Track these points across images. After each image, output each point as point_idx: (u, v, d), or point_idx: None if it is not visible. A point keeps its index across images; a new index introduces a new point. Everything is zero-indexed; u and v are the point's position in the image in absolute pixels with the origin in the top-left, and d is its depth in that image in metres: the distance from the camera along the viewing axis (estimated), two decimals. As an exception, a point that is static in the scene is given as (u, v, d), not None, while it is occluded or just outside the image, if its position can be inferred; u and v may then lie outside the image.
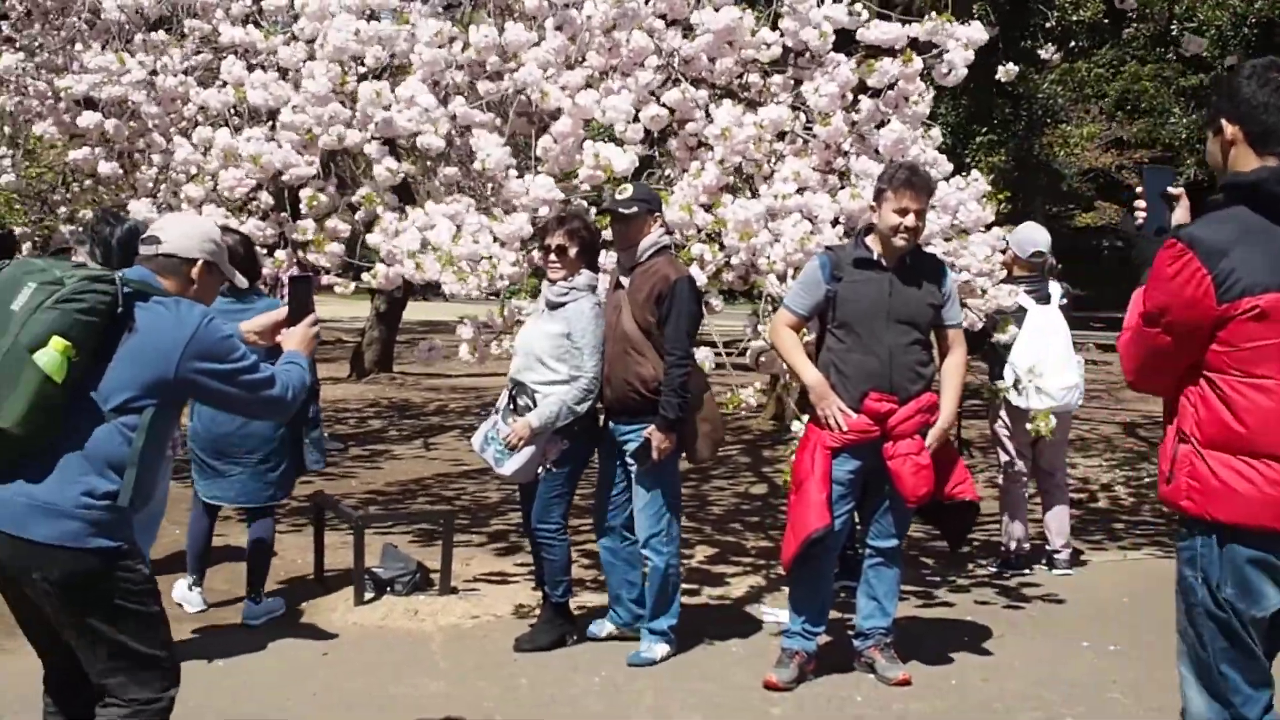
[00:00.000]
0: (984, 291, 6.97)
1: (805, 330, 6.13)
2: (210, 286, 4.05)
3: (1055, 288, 8.03)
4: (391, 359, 21.36)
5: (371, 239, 6.60)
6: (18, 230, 10.86)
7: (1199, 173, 26.38)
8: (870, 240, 5.89)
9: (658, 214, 6.30)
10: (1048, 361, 7.74)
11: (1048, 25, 16.35)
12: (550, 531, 6.40)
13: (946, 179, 6.76)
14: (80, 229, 7.89)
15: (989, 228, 6.83)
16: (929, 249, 6.41)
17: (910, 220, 5.75)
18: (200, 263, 3.99)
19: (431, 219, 6.46)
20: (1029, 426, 7.70)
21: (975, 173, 7.00)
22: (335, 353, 23.44)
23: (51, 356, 3.54)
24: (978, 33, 6.64)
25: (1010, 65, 7.73)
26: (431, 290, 8.72)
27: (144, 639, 3.77)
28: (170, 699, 3.83)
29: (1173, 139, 25.86)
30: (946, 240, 6.71)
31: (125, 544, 3.71)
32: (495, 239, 6.42)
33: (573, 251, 6.23)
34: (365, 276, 6.64)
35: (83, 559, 3.61)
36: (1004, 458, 8.24)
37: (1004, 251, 7.22)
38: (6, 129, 8.46)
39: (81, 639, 3.74)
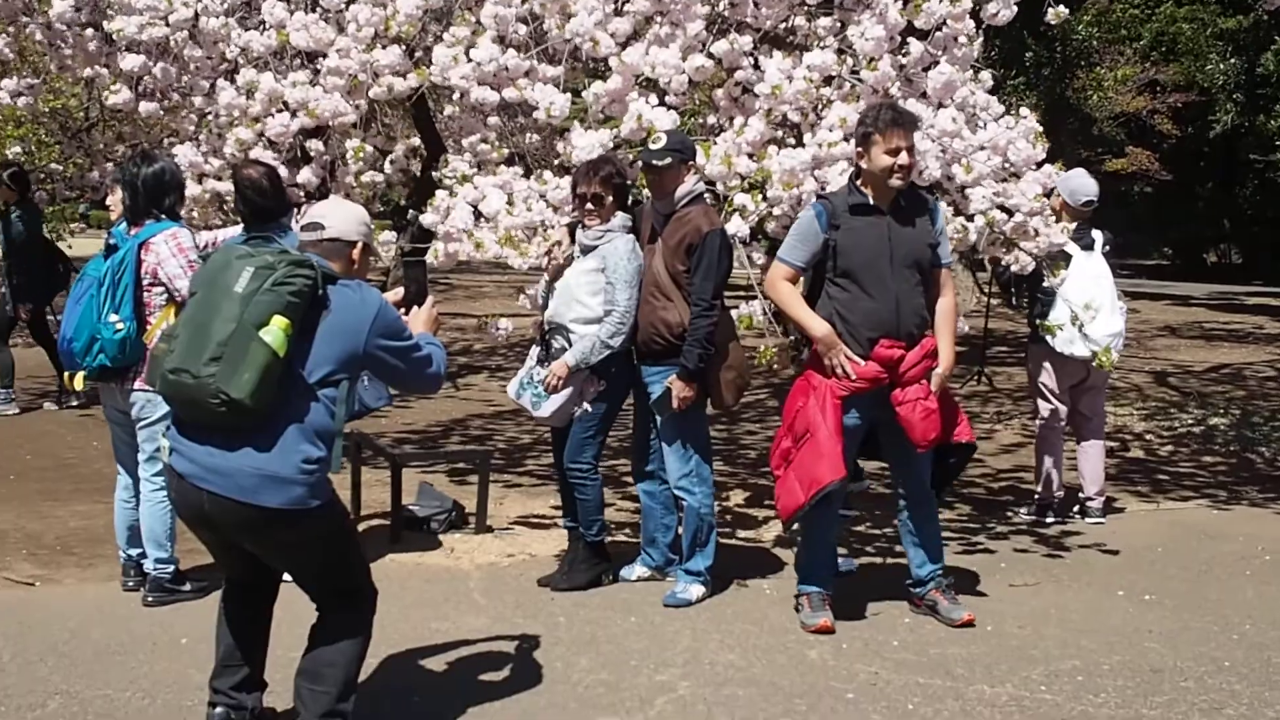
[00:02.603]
0: (1037, 232, 6.89)
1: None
2: (366, 265, 4.39)
3: (1098, 235, 7.99)
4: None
5: (426, 220, 6.59)
6: (53, 167, 10.91)
7: (1237, 119, 26.07)
8: (862, 185, 5.85)
9: (691, 162, 6.30)
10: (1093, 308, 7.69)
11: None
12: (582, 471, 6.44)
13: (996, 120, 6.69)
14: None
15: (1039, 165, 6.76)
16: (979, 189, 6.38)
17: (904, 158, 5.71)
18: (360, 244, 4.36)
19: (481, 191, 6.45)
20: (1094, 364, 7.66)
21: (1025, 110, 6.91)
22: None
23: (276, 334, 3.96)
24: None
25: (1061, 8, 7.63)
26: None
27: (353, 568, 4.40)
28: (375, 605, 4.44)
29: (1209, 83, 25.51)
30: (999, 181, 6.64)
31: (332, 497, 4.25)
32: (549, 205, 6.41)
33: (608, 199, 6.25)
34: (428, 257, 6.62)
35: (306, 518, 4.11)
36: (1044, 406, 8.18)
37: (1049, 196, 7.15)
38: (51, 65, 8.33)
39: (303, 576, 4.36)
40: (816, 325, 5.80)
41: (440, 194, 6.69)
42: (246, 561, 4.38)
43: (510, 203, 6.45)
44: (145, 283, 5.95)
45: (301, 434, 4.05)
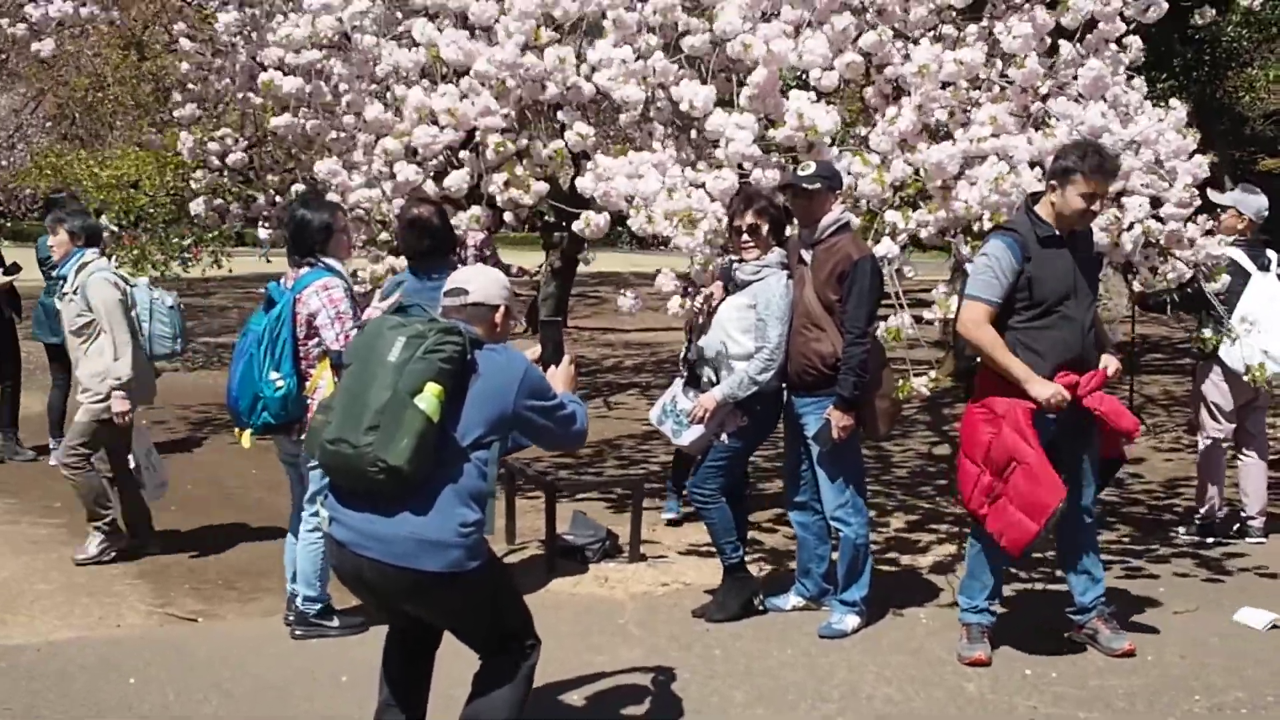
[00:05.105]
0: (1192, 242, 6.77)
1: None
2: (507, 328, 4.47)
3: (1273, 255, 7.86)
4: (566, 313, 21.52)
5: (581, 183, 6.57)
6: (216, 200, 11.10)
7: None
8: (1042, 213, 5.79)
9: (839, 190, 6.28)
10: (1273, 328, 7.55)
11: (1236, -37, 15.71)
12: (704, 497, 6.47)
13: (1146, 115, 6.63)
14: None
15: (1190, 156, 6.65)
16: (1134, 198, 6.45)
17: (1096, 206, 5.72)
18: (502, 308, 4.45)
19: (637, 168, 6.43)
20: (1245, 378, 7.50)
21: (1175, 101, 6.78)
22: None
23: (429, 400, 4.06)
24: None
25: (1208, 8, 7.50)
26: (606, 243, 8.81)
27: (510, 618, 4.44)
28: (538, 650, 4.49)
29: (1368, 79, 24.66)
30: (1150, 174, 6.54)
31: (490, 556, 4.32)
32: (709, 195, 6.39)
33: (764, 230, 6.26)
34: (575, 226, 6.64)
35: (464, 579, 4.18)
36: (1213, 426, 8.01)
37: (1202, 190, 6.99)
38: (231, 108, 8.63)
39: (466, 633, 4.42)
40: (1019, 369, 5.69)
41: (601, 158, 6.59)
42: (408, 620, 4.48)
43: (671, 190, 6.38)
44: (301, 335, 6.06)
45: (457, 497, 4.13)
